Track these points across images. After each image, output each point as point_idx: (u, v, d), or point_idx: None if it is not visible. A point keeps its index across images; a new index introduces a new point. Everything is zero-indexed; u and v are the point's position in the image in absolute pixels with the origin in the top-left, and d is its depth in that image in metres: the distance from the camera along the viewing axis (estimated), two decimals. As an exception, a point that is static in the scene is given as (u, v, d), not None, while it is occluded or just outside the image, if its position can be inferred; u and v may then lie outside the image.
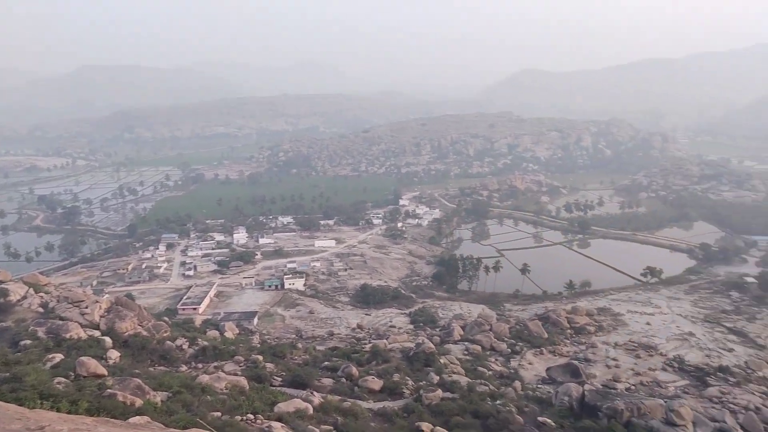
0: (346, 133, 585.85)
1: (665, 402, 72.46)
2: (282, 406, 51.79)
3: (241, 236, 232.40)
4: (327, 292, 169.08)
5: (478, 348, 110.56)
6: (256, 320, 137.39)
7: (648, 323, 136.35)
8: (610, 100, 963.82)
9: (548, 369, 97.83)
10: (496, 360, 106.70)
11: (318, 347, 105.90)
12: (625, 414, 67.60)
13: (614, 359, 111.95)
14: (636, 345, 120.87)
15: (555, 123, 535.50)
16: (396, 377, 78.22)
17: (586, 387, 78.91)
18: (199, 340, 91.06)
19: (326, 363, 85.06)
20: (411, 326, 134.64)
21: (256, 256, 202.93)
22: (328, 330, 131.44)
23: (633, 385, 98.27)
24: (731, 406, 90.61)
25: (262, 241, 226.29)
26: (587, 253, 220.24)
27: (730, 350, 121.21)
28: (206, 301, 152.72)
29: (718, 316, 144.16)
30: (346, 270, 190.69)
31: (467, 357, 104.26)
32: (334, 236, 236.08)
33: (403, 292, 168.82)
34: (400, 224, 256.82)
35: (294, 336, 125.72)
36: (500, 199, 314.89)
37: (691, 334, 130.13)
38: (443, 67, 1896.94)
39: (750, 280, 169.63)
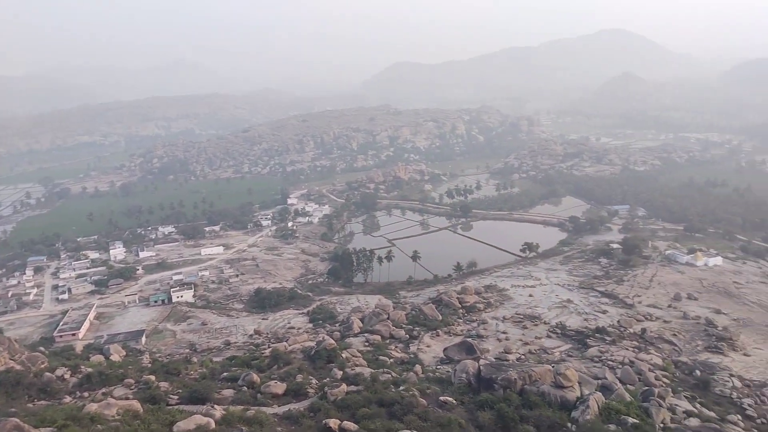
0: (225, 134, 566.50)
1: (553, 367, 78.05)
2: (181, 425, 49.54)
3: (118, 252, 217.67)
4: (219, 300, 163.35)
5: (378, 338, 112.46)
6: (144, 339, 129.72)
7: (531, 295, 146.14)
8: (478, 88, 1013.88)
9: (445, 349, 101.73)
10: (396, 347, 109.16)
11: (215, 359, 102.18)
12: (518, 383, 71.99)
13: (504, 332, 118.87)
14: (522, 316, 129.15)
15: (430, 113, 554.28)
16: (299, 378, 77.52)
17: (481, 362, 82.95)
18: (82, 367, 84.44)
19: (225, 374, 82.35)
20: (310, 325, 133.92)
21: (138, 271, 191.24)
22: (224, 340, 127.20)
23: (523, 354, 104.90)
24: (610, 362, 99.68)
25: (142, 254, 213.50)
26: (471, 235, 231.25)
27: (604, 312, 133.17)
28: (86, 324, 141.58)
29: (591, 282, 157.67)
30: (237, 276, 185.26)
31: (368, 348, 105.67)
32: (221, 242, 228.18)
33: (299, 291, 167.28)
34: (290, 224, 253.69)
35: (188, 350, 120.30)
36: (387, 190, 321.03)
37: (569, 301, 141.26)
38: (320, 63, 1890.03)
39: (615, 246, 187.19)
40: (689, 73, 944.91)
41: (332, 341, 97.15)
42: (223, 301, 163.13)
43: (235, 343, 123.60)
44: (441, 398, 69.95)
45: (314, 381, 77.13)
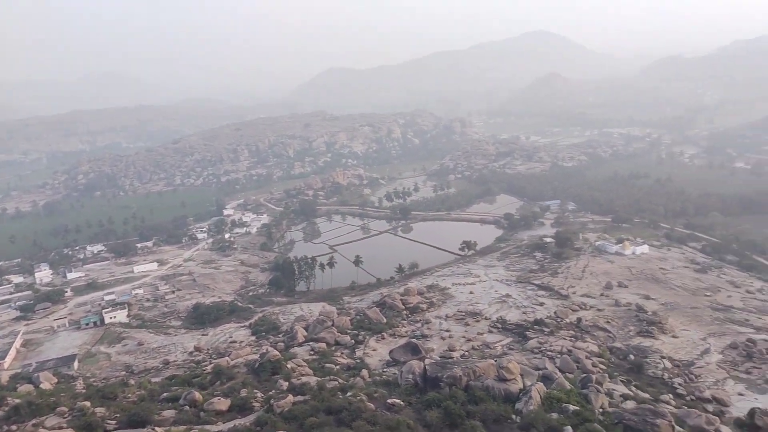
0: (155, 146, 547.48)
1: (496, 361, 79.83)
2: (121, 451, 47.37)
3: (44, 274, 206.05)
4: (155, 319, 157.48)
5: (324, 345, 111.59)
6: (76, 364, 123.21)
7: (471, 292, 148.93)
8: (410, 92, 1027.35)
9: (391, 352, 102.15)
10: (342, 353, 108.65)
11: (153, 379, 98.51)
12: (464, 379, 73.20)
13: (447, 330, 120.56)
14: (464, 314, 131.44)
15: (366, 118, 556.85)
16: (244, 392, 75.89)
17: (427, 362, 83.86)
18: (9, 398, 79.39)
19: (165, 394, 79.54)
20: (253, 338, 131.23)
21: (66, 294, 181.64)
22: (162, 359, 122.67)
23: (467, 351, 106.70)
24: (549, 353, 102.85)
25: (70, 276, 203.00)
26: (411, 237, 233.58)
27: (542, 304, 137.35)
28: (11, 353, 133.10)
29: (527, 276, 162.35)
30: (174, 292, 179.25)
31: (314, 356, 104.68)
32: (155, 258, 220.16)
33: (240, 304, 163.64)
34: (227, 235, 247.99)
35: (124, 373, 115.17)
36: (326, 196, 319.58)
37: (508, 295, 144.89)
38: (253, 71, 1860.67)
39: (548, 240, 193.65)
40: (610, 72, 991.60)
41: (276, 352, 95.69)
42: (160, 319, 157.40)
43: (175, 361, 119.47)
44: (389, 401, 70.20)
45: (259, 394, 75.73)
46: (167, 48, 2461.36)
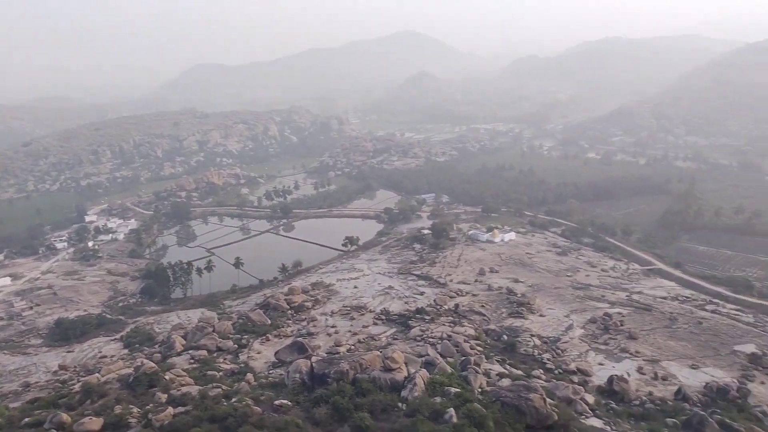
0: (2, 149, 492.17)
1: (381, 352, 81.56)
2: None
3: None
4: (11, 338, 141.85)
5: (205, 353, 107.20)
6: None
7: (355, 287, 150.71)
8: (285, 89, 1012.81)
9: (277, 353, 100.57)
10: (225, 359, 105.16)
11: (12, 405, 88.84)
12: (351, 373, 74.00)
13: (333, 326, 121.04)
14: (349, 308, 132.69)
15: (240, 115, 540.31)
16: (118, 409, 70.89)
17: (314, 359, 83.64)
18: None
19: (27, 420, 72.09)
20: (126, 351, 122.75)
21: None
22: (21, 382, 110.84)
23: (353, 345, 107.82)
24: (431, 339, 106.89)
25: None
26: (293, 235, 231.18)
27: (422, 293, 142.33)
28: None
29: (408, 267, 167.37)
30: (31, 308, 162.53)
31: (194, 365, 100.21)
32: (7, 272, 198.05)
33: (109, 316, 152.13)
34: (91, 243, 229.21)
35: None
36: (200, 197, 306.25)
37: (390, 287, 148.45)
38: (113, 67, 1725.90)
39: (426, 232, 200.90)
40: (474, 70, 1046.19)
41: (153, 364, 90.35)
42: (17, 338, 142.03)
43: (37, 383, 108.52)
44: (276, 403, 69.20)
45: (136, 409, 71.17)
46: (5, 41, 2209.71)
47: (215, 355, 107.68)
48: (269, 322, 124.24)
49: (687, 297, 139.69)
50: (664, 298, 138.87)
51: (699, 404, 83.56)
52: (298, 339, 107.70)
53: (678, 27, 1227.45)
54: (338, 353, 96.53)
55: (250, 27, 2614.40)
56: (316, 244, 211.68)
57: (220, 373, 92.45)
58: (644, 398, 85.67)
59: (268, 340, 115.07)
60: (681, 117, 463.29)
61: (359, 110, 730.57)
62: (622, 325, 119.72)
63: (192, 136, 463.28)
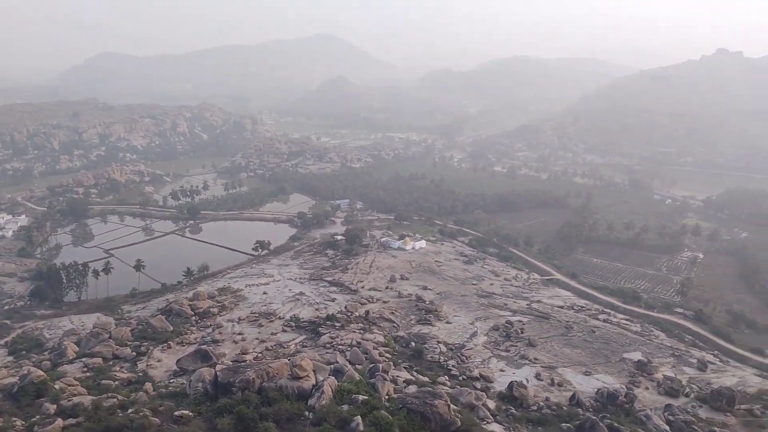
0: None
1: (289, 360, 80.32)
2: None
3: None
4: None
5: (100, 360, 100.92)
6: None
7: (265, 292, 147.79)
8: (197, 84, 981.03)
9: (178, 361, 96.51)
10: (122, 367, 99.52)
11: None
12: (257, 382, 72.26)
13: (240, 333, 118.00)
14: (257, 315, 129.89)
15: (147, 109, 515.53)
16: (-2, 423, 65.15)
17: (218, 367, 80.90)
18: None
19: None
20: (11, 358, 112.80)
21: None
22: None
23: (260, 353, 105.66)
24: (340, 347, 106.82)
25: None
26: (201, 238, 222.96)
27: (333, 300, 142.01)
28: None
29: (320, 273, 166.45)
30: None
31: (88, 374, 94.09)
32: None
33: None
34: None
35: None
36: (100, 194, 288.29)
37: (301, 293, 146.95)
38: (7, 49, 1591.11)
39: (339, 237, 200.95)
40: (391, 80, 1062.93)
41: (41, 372, 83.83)
42: None
43: None
44: (176, 413, 66.28)
45: (19, 422, 65.70)
46: None
47: (111, 363, 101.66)
48: (171, 328, 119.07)
49: (582, 306, 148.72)
50: (561, 307, 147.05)
51: (591, 409, 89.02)
52: (202, 346, 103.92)
53: (581, 50, 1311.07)
54: (244, 361, 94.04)
55: (160, 17, 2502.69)
56: (225, 247, 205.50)
57: (116, 383, 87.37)
58: (541, 403, 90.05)
59: (170, 347, 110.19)
60: (580, 136, 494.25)
61: (274, 111, 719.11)
62: (522, 332, 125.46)
63: (93, 129, 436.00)
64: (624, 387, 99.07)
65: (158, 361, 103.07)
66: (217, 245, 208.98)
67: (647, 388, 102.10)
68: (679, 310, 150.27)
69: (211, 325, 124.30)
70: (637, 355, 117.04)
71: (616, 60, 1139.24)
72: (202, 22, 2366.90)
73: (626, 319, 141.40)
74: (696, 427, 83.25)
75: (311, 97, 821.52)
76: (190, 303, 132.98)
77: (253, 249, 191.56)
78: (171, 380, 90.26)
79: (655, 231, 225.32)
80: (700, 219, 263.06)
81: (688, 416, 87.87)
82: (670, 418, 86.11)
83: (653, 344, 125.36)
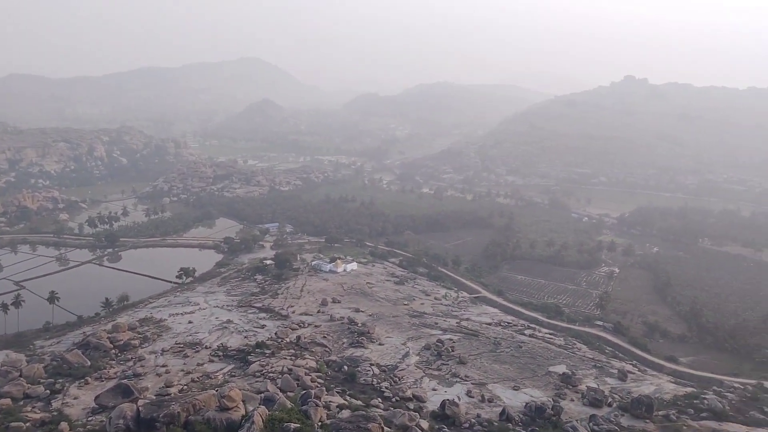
0: None
1: (217, 390, 77.66)
2: None
3: None
4: None
5: (8, 401, 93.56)
6: None
7: (190, 322, 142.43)
8: (115, 107, 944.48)
9: (97, 397, 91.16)
10: (34, 407, 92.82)
11: None
12: (182, 415, 69.38)
13: (164, 365, 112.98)
14: (182, 345, 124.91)
15: (61, 133, 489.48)
16: None
17: (140, 402, 77.04)
18: None
19: None
20: None
21: None
22: None
23: (185, 385, 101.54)
24: (271, 374, 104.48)
25: None
26: (120, 266, 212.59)
27: (263, 326, 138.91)
28: None
29: (249, 300, 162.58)
30: None
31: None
32: None
33: None
34: None
35: None
36: (9, 223, 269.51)
37: (229, 321, 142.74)
38: None
39: (268, 262, 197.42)
40: (319, 103, 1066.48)
41: (-61, 420, 76.89)
42: None
43: None
44: (94, 454, 62.45)
45: None
46: None
47: (22, 403, 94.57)
48: (89, 363, 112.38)
49: (508, 323, 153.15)
50: (489, 324, 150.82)
51: (520, 423, 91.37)
52: (123, 381, 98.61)
53: (499, 77, 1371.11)
54: (169, 394, 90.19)
55: (75, 36, 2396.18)
56: (147, 276, 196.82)
57: (27, 424, 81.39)
58: (473, 420, 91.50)
59: (88, 383, 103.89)
60: (502, 158, 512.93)
61: (199, 134, 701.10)
62: (453, 350, 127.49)
63: (1, 154, 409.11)
64: (551, 400, 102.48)
65: (75, 398, 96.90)
66: (138, 274, 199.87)
67: (572, 400, 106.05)
68: (599, 322, 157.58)
69: (132, 358, 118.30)
70: (561, 368, 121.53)
71: (532, 86, 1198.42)
72: (122, 43, 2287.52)
73: (550, 334, 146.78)
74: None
75: (237, 120, 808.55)
76: (110, 335, 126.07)
77: (176, 277, 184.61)
78: (89, 418, 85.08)
79: (574, 248, 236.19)
80: (614, 235, 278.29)
81: (611, 425, 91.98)
82: (595, 428, 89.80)
83: (576, 357, 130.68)
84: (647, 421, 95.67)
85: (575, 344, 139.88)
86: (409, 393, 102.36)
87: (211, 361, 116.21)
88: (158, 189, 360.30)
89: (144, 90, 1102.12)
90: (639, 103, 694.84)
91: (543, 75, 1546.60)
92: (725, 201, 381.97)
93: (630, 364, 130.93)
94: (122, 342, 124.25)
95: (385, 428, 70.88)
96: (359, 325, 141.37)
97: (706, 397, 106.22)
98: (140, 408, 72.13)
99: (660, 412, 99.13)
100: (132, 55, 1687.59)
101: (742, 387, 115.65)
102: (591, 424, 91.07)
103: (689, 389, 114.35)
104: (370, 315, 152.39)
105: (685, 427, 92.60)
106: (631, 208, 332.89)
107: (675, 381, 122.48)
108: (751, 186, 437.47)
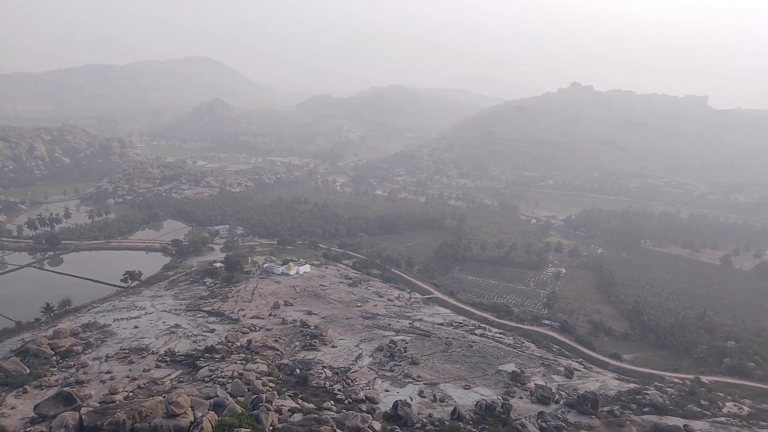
0: None
1: (164, 397, 75.60)
2: None
3: None
4: None
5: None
6: None
7: (136, 326, 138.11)
8: (57, 104, 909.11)
9: (36, 406, 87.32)
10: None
11: None
12: (128, 423, 67.27)
13: (108, 372, 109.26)
14: (128, 351, 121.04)
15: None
16: None
17: (83, 410, 74.26)
18: None
19: None
20: None
21: None
22: None
23: (131, 391, 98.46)
24: (221, 379, 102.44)
25: None
26: (62, 270, 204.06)
27: (213, 331, 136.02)
28: None
29: (198, 303, 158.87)
30: None
31: None
32: None
33: None
34: None
35: None
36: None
37: (177, 325, 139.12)
38: None
39: (218, 265, 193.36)
40: (271, 104, 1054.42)
41: None
42: None
43: None
44: (34, 466, 59.77)
45: None
46: None
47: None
48: (28, 371, 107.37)
49: (460, 323, 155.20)
50: (441, 324, 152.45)
51: (471, 422, 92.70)
52: (65, 389, 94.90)
53: (451, 82, 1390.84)
54: (114, 402, 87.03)
55: (11, 31, 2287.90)
56: (90, 279, 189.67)
57: (-42, 438, 77.07)
58: (425, 420, 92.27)
59: (26, 392, 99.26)
60: (454, 161, 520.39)
61: (146, 134, 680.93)
62: (405, 351, 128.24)
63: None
64: (500, 398, 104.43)
65: (12, 408, 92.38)
66: (80, 278, 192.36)
67: (521, 398, 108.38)
68: (546, 321, 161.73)
69: (74, 364, 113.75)
70: (511, 367, 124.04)
71: (483, 92, 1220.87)
72: (64, 39, 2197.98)
73: (500, 333, 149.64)
74: None
75: (186, 120, 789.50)
76: (50, 342, 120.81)
77: (121, 280, 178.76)
78: (28, 428, 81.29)
79: (523, 249, 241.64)
80: (561, 237, 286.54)
81: (558, 422, 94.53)
82: (543, 424, 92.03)
83: (525, 355, 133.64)
84: (593, 416, 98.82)
85: (524, 343, 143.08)
86: (361, 395, 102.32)
87: (158, 366, 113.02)
88: (102, 190, 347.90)
89: (88, 88, 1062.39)
90: (585, 109, 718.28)
91: (494, 81, 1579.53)
92: (665, 204, 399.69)
93: (576, 361, 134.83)
94: (64, 348, 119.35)
95: (338, 430, 70.65)
96: (312, 327, 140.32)
97: (648, 392, 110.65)
98: (83, 416, 69.54)
99: (605, 408, 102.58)
100: (74, 52, 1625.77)
101: (681, 382, 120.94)
102: (539, 420, 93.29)
103: (632, 385, 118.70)
104: (323, 317, 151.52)
105: (628, 422, 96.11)
106: (577, 211, 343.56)
107: (619, 377, 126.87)
108: (689, 190, 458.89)
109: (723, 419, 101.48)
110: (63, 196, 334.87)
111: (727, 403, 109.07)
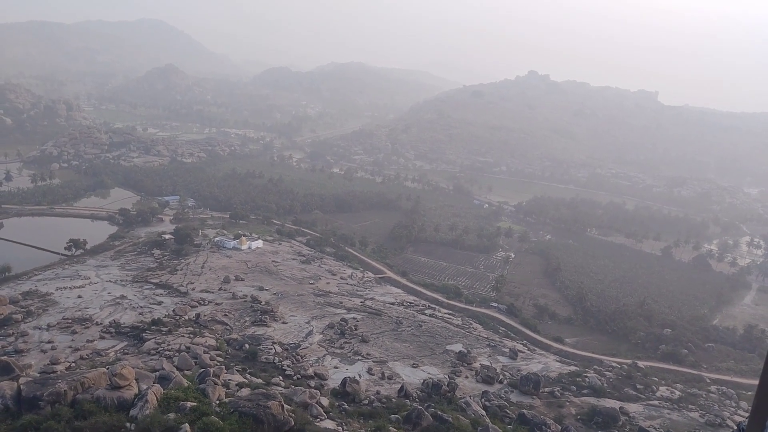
0: None
1: (108, 368, 73.93)
2: None
3: None
4: None
5: None
6: None
7: (80, 296, 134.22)
8: None
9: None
10: None
11: None
12: (69, 394, 65.43)
13: (50, 342, 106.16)
14: (71, 321, 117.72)
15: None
16: None
17: (22, 380, 71.83)
18: None
19: None
20: None
21: None
22: None
23: (73, 362, 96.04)
24: (167, 352, 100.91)
25: None
26: (2, 235, 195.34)
27: (160, 303, 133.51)
28: None
29: (145, 275, 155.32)
30: None
31: None
32: None
33: None
34: None
35: None
36: None
37: (123, 297, 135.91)
38: None
39: (167, 236, 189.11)
40: (227, 74, 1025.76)
41: None
42: None
43: None
44: (-33, 437, 57.70)
45: None
46: None
47: None
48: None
49: (411, 303, 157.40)
50: (393, 303, 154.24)
51: (417, 399, 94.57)
52: (3, 357, 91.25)
53: (411, 62, 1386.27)
54: (55, 372, 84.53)
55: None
56: (32, 246, 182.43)
57: None
58: (373, 397, 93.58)
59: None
60: (411, 143, 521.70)
61: (94, 97, 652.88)
62: (356, 329, 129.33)
63: None
64: (447, 377, 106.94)
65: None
66: (21, 244, 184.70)
67: (467, 377, 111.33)
68: (494, 304, 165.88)
69: (13, 333, 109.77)
70: (458, 347, 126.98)
71: (443, 74, 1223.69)
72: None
73: (449, 314, 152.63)
74: (508, 411, 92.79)
75: (137, 85, 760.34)
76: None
77: (65, 248, 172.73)
78: (-40, 399, 78.08)
79: (475, 232, 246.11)
80: (512, 222, 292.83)
81: (501, 401, 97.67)
82: (487, 403, 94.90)
83: (472, 336, 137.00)
84: (534, 397, 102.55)
85: (471, 324, 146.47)
86: (310, 371, 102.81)
87: (102, 337, 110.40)
88: (47, 154, 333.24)
89: (32, 45, 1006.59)
90: (540, 98, 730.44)
91: (453, 64, 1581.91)
92: (612, 194, 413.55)
93: (521, 343, 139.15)
94: (2, 316, 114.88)
95: (285, 406, 70.85)
96: (263, 303, 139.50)
97: (588, 375, 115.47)
98: (21, 386, 67.27)
99: (546, 389, 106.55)
100: (18, 6, 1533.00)
101: (618, 366, 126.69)
102: (483, 399, 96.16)
103: (573, 368, 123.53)
104: (274, 293, 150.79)
105: (567, 403, 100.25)
106: (528, 197, 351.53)
107: (560, 360, 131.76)
108: (635, 182, 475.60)
109: (656, 402, 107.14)
110: (4, 158, 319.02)
111: (661, 387, 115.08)
